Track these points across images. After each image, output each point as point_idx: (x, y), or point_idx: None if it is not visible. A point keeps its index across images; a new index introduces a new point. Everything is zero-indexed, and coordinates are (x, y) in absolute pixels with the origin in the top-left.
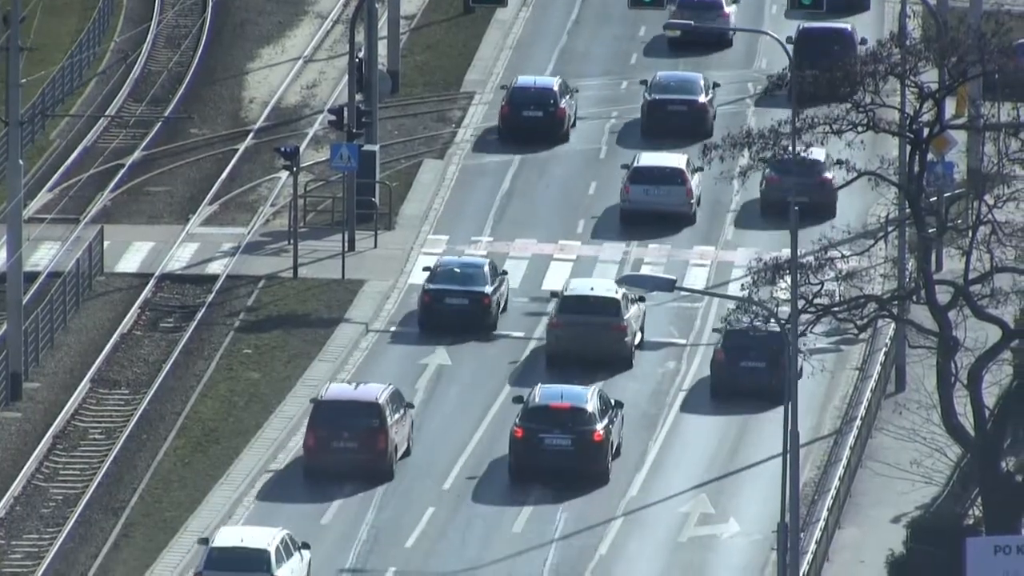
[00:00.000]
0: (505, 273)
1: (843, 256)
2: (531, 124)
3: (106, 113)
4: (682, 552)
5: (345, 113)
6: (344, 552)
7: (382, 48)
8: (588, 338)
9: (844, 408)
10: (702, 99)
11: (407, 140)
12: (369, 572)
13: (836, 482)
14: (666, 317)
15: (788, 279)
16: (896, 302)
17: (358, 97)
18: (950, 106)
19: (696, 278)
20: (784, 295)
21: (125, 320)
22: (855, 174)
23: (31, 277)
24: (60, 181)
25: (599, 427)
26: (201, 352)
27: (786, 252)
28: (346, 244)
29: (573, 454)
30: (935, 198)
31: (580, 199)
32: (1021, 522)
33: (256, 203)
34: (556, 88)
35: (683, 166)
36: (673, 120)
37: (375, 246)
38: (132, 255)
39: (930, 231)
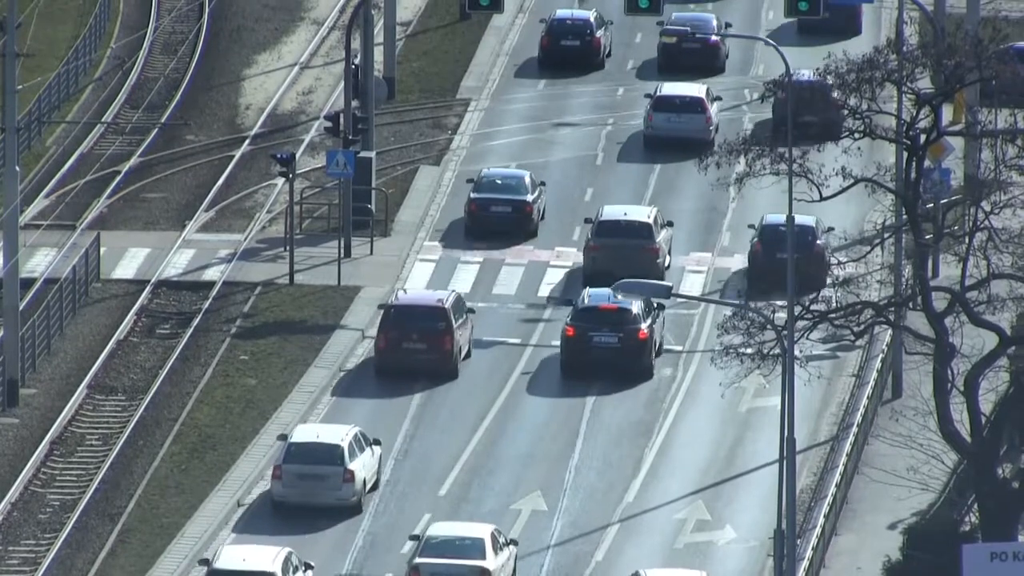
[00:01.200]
0: (543, 184)
1: (840, 262)
2: (569, 53)
3: (102, 119)
4: (678, 558)
5: (341, 119)
6: (340, 559)
7: (378, 54)
8: (623, 259)
9: (841, 415)
10: (714, 38)
11: (403, 146)
12: None
13: (833, 489)
14: (663, 324)
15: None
16: (893, 309)
17: (354, 103)
18: (947, 112)
19: (692, 284)
20: (781, 301)
21: (122, 326)
22: (852, 180)
23: (28, 283)
24: (56, 187)
25: (644, 326)
26: (197, 358)
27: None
28: (342, 250)
29: (620, 351)
30: (932, 204)
31: (576, 205)
32: (1017, 529)
33: (252, 209)
34: (592, 20)
35: (703, 95)
36: (686, 58)
37: (371, 252)
38: (128, 261)
39: (927, 238)
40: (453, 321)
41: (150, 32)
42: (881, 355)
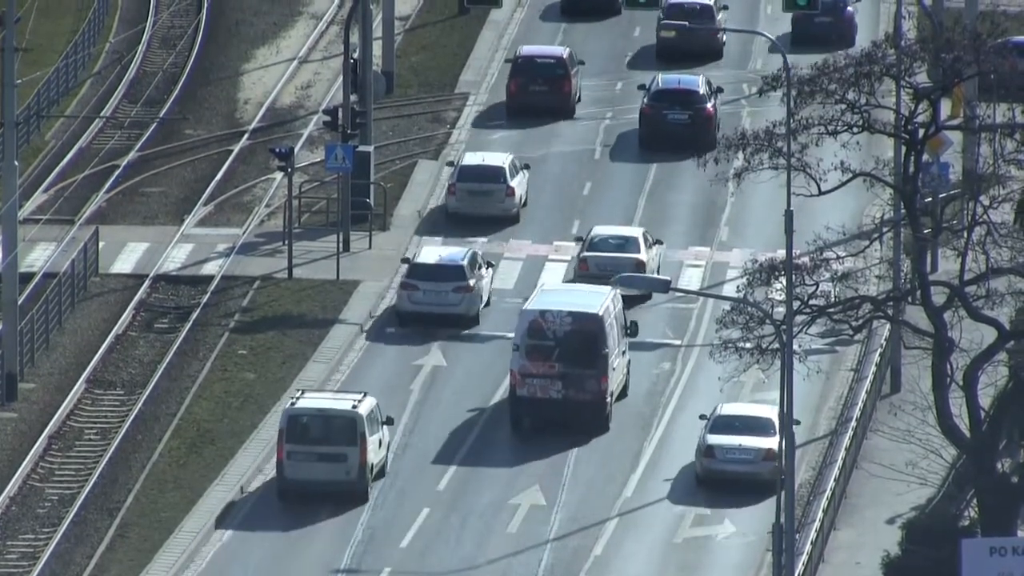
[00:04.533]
0: None
1: (838, 257)
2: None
3: (101, 114)
4: (677, 553)
5: (340, 114)
6: (339, 552)
7: (377, 49)
8: (690, 39)
9: (839, 409)
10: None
11: (402, 141)
12: (364, 572)
13: (831, 483)
14: (661, 318)
15: (783, 280)
16: (891, 303)
17: (353, 98)
18: (945, 107)
19: (691, 279)
20: (779, 296)
21: (120, 321)
22: (851, 175)
23: (26, 278)
24: (55, 182)
25: (709, 105)
26: (196, 353)
27: (781, 253)
28: (341, 245)
29: (690, 126)
30: (930, 199)
31: (574, 200)
32: (1016, 523)
33: (251, 204)
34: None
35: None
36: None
37: (370, 247)
38: (127, 256)
39: (925, 232)
40: (570, 68)
41: (149, 27)
42: (880, 350)
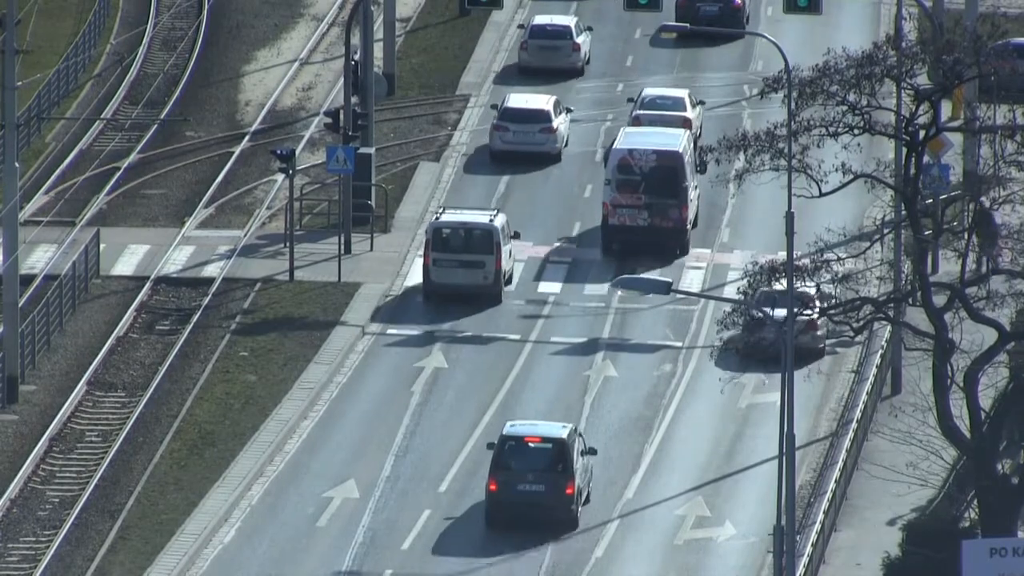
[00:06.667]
0: None
1: (839, 258)
2: None
3: (102, 116)
4: (678, 555)
5: (341, 116)
6: (341, 554)
7: (378, 51)
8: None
9: (840, 411)
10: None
11: (403, 143)
12: (366, 574)
13: (832, 485)
14: (662, 320)
15: (784, 281)
16: (892, 304)
17: (354, 100)
18: (946, 108)
19: (692, 281)
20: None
21: (121, 323)
22: (851, 176)
23: (27, 280)
24: (56, 184)
25: (738, 1)
26: (197, 355)
27: (782, 254)
28: (342, 247)
29: (719, 17)
30: (931, 200)
31: (575, 202)
32: (1017, 524)
33: (252, 206)
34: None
35: None
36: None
37: (371, 249)
38: (128, 258)
39: (926, 233)
40: None
41: (149, 28)
42: (880, 351)
